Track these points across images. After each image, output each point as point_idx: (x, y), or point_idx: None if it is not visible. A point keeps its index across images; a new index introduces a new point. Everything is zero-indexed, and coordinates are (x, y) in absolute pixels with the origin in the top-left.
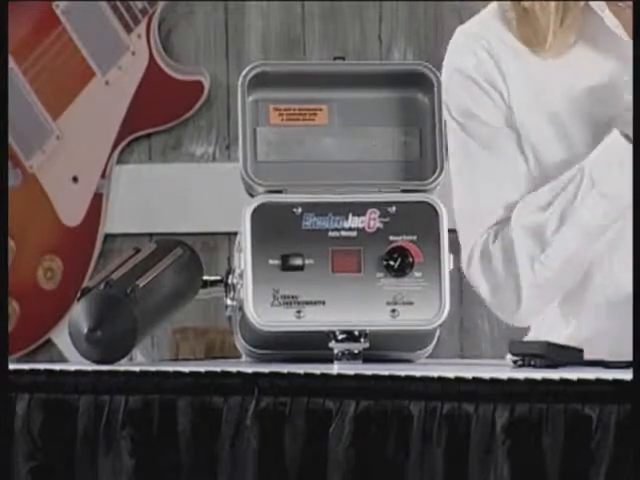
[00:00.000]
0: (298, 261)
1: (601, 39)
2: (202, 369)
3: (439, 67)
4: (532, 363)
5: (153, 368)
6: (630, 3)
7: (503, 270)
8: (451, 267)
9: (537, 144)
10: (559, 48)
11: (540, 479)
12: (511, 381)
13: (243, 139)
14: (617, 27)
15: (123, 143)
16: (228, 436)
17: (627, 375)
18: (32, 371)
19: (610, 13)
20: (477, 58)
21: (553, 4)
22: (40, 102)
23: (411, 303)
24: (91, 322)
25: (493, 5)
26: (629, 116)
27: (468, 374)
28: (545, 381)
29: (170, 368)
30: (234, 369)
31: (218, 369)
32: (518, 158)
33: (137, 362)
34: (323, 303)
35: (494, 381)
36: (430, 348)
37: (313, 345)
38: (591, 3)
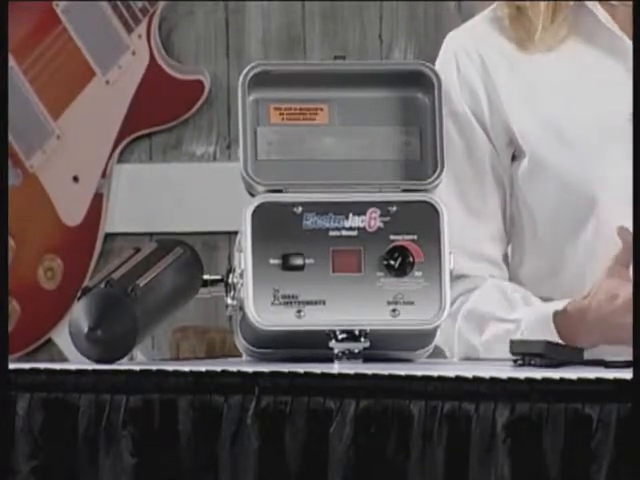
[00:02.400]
0: (298, 260)
1: (596, 36)
2: (202, 368)
3: None
4: (532, 362)
5: (154, 367)
6: (624, 2)
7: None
8: (452, 267)
9: (535, 147)
10: (549, 42)
11: (541, 478)
12: (511, 380)
13: (243, 139)
14: (611, 24)
15: (123, 143)
16: (229, 435)
17: (627, 374)
18: (32, 370)
19: (603, 10)
20: (462, 84)
21: (543, 2)
22: (40, 102)
23: (411, 303)
24: (91, 321)
25: (484, 12)
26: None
27: (468, 373)
28: (545, 380)
29: (171, 367)
30: (234, 368)
31: (218, 368)
32: (495, 195)
33: (138, 361)
34: (323, 302)
35: (494, 380)
36: (430, 347)
37: (313, 344)
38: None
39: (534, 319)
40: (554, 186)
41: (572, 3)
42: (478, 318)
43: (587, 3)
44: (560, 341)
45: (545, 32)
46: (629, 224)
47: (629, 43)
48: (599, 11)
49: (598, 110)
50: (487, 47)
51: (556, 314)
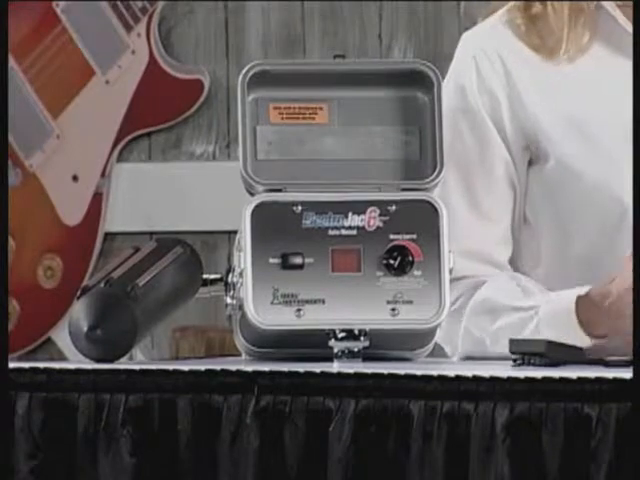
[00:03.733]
0: (298, 260)
1: (614, 38)
2: (202, 368)
3: (439, 66)
4: (532, 362)
5: (153, 366)
6: (628, 2)
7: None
8: (451, 266)
9: (562, 151)
10: (574, 52)
11: (540, 478)
12: (511, 380)
13: (243, 138)
14: (628, 25)
15: (123, 142)
16: (228, 435)
17: (627, 374)
18: (32, 370)
19: (620, 11)
20: (481, 86)
21: (566, 8)
22: (40, 101)
23: (411, 302)
24: (91, 321)
25: (501, 11)
26: None
27: (468, 373)
28: (545, 380)
29: (170, 367)
30: (234, 368)
31: (218, 368)
32: (507, 197)
33: (137, 361)
34: (323, 302)
35: (494, 380)
36: (430, 347)
37: (313, 344)
38: (603, 3)
39: (552, 307)
40: (582, 190)
41: (593, 5)
42: (490, 307)
43: (605, 4)
44: (577, 328)
45: (568, 41)
46: None
47: None
48: (616, 12)
49: (622, 113)
50: (506, 49)
51: (579, 298)
